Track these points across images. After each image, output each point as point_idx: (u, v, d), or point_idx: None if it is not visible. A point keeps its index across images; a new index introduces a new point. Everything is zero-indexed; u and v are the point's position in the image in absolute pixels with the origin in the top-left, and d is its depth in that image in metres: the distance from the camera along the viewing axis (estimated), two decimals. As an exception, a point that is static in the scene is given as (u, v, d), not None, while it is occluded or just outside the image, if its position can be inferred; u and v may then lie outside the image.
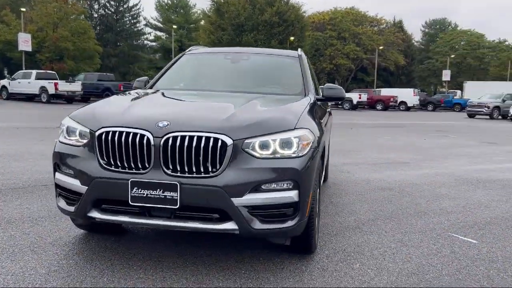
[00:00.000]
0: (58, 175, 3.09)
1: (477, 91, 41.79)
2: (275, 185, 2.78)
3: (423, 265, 3.22)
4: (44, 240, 3.46)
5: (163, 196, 2.71)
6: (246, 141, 2.77)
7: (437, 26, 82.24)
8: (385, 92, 40.33)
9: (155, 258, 3.18)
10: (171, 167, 2.73)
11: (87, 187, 2.84)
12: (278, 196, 2.78)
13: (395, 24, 68.54)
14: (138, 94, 3.85)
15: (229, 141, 2.72)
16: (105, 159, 2.83)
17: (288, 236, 3.05)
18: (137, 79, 4.67)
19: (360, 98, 35.60)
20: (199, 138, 2.71)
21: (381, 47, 57.22)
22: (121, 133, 2.80)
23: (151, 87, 4.37)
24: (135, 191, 2.73)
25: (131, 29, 59.24)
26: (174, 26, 48.57)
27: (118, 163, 2.80)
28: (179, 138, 2.72)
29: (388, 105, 37.61)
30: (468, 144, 12.47)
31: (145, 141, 2.74)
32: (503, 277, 3.06)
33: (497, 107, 30.17)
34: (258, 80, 4.44)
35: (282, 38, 41.51)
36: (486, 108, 30.10)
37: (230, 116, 2.94)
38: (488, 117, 30.16)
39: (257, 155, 2.77)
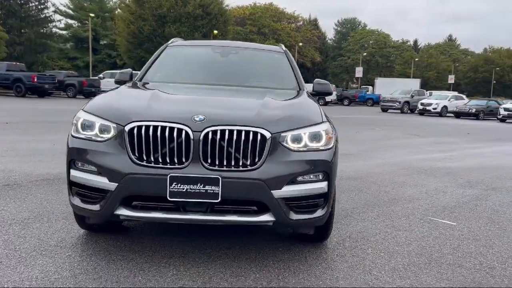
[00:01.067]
0: (75, 172, 2.90)
1: (387, 87, 45.29)
2: (308, 177, 2.89)
3: (424, 247, 3.54)
4: (46, 242, 3.22)
5: (203, 191, 2.68)
6: (282, 134, 2.84)
7: (348, 25, 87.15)
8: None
9: (178, 254, 3.12)
10: (209, 161, 2.71)
11: (117, 184, 2.72)
12: (311, 187, 2.89)
13: (310, 21, 71.27)
14: (142, 87, 3.71)
15: (268, 135, 2.77)
16: (137, 154, 2.73)
17: (316, 225, 3.17)
18: (120, 72, 4.46)
19: (283, 92, 36.61)
20: (239, 131, 2.73)
21: (300, 44, 59.23)
22: (156, 127, 2.72)
23: (140, 80, 4.21)
24: (174, 186, 2.67)
25: (38, 15, 54.58)
26: (92, 15, 45.77)
27: (153, 158, 2.72)
28: (219, 132, 2.71)
29: (309, 99, 39.10)
30: (396, 136, 13.53)
31: (183, 136, 2.70)
32: (493, 253, 3.48)
33: (407, 102, 32.90)
34: (253, 74, 4.49)
35: (206, 31, 41.21)
36: (397, 103, 32.68)
37: (260, 110, 2.98)
38: (399, 111, 32.76)
39: (292, 148, 2.86)
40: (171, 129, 2.71)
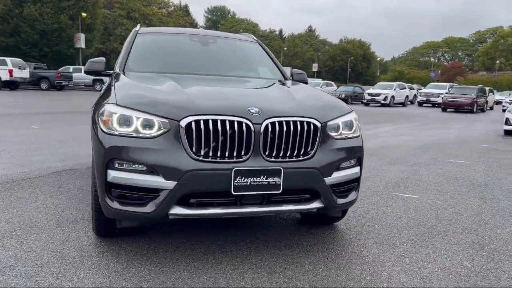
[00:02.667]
0: (116, 173, 2.63)
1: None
2: (347, 163, 3.07)
3: (414, 219, 4.01)
4: (67, 254, 2.86)
5: (266, 183, 2.69)
6: (328, 123, 2.97)
7: (218, 13, 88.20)
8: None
9: (218, 250, 3.05)
10: (268, 152, 2.72)
11: (176, 182, 2.56)
12: (350, 173, 3.09)
13: (181, 7, 70.34)
14: (155, 79, 3.45)
15: (318, 124, 2.88)
16: (196, 149, 2.60)
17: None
18: (92, 60, 4.03)
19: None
20: (295, 122, 2.79)
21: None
22: (215, 121, 2.62)
23: (123, 70, 3.86)
24: (238, 180, 2.63)
25: None
26: None
27: (212, 153, 2.62)
28: (277, 123, 2.73)
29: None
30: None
31: (244, 128, 2.65)
32: (467, 218, 4.10)
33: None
34: (240, 64, 4.45)
35: (73, 14, 37.81)
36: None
37: (299, 101, 3.06)
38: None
39: (335, 136, 3.01)
40: (231, 122, 2.65)
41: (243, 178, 2.63)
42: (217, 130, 2.62)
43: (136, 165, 2.62)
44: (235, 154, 2.66)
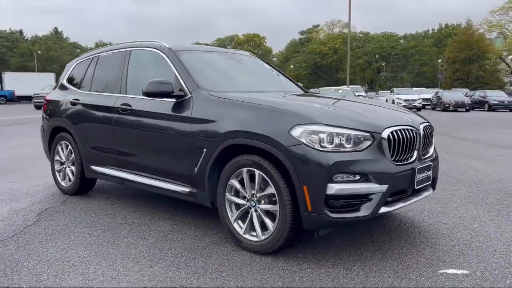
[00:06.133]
0: (338, 186, 2.95)
1: (18, 83, 42.51)
2: None
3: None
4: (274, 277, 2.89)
5: (426, 176, 3.46)
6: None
7: None
8: None
9: (333, 254, 3.56)
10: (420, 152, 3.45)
11: (387, 185, 3.05)
12: None
13: None
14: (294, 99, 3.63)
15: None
16: (392, 155, 3.14)
17: None
18: (156, 81, 3.67)
19: None
20: (428, 126, 3.62)
21: None
22: (401, 130, 3.23)
23: (198, 89, 3.69)
24: (418, 176, 3.31)
25: None
26: None
27: (400, 157, 3.21)
28: (424, 128, 3.51)
29: None
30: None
31: (415, 134, 3.33)
32: (467, 182, 5.59)
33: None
34: (276, 79, 4.75)
35: None
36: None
37: (402, 108, 3.87)
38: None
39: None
40: (408, 130, 3.29)
41: (419, 175, 3.32)
42: (405, 138, 3.21)
43: (353, 176, 2.96)
44: (407, 156, 3.29)
